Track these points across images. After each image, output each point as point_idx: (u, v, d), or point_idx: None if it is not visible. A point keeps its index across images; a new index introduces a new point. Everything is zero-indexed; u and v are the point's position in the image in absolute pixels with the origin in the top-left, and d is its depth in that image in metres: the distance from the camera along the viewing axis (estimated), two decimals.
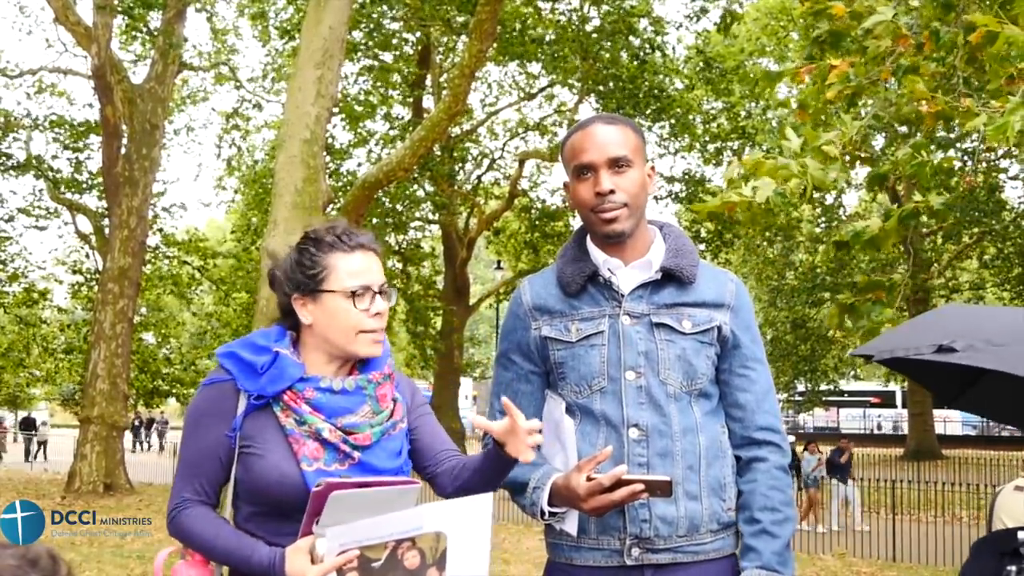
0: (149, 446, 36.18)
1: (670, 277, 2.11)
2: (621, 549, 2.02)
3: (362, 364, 2.00)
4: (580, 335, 2.09)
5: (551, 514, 2.05)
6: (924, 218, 5.05)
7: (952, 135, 18.91)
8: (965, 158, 20.34)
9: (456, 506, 1.76)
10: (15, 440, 34.26)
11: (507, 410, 1.83)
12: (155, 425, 36.92)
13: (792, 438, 17.16)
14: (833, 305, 5.49)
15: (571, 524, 2.06)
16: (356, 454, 1.87)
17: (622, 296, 2.10)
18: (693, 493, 2.03)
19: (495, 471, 1.94)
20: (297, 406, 1.87)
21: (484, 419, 1.93)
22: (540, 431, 1.87)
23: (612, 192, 2.04)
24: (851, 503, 14.70)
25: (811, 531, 13.54)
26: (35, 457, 28.54)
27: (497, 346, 2.28)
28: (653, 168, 2.16)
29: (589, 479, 1.92)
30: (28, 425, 31.67)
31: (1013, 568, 1.86)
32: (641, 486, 1.90)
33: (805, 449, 15.41)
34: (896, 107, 5.16)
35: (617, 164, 2.06)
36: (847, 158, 5.06)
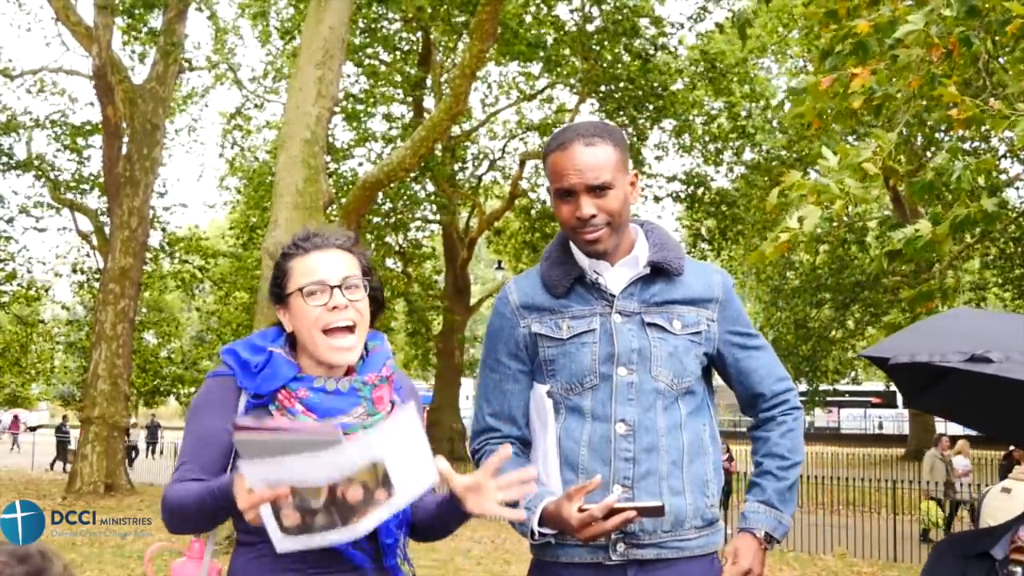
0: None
1: (658, 272, 2.13)
2: (606, 545, 2.04)
3: (360, 365, 2.00)
4: (572, 332, 2.11)
5: (541, 534, 2.06)
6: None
7: (974, 142, 18.80)
8: (1011, 160, 20.23)
9: (382, 432, 1.71)
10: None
11: (490, 464, 1.83)
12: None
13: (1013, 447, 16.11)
14: (878, 331, 5.33)
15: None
16: (333, 424, 1.87)
17: (612, 296, 2.11)
18: (677, 489, 2.06)
19: (452, 519, 1.93)
20: (291, 406, 1.90)
21: (448, 467, 1.86)
22: (526, 481, 1.85)
23: (594, 216, 2.05)
24: None
25: None
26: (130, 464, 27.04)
27: (483, 349, 2.29)
28: (637, 175, 2.16)
29: (581, 509, 1.93)
30: None
31: (1019, 569, 1.84)
32: (633, 513, 1.93)
33: None
34: (919, 114, 5.08)
35: (598, 188, 2.05)
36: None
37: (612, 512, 1.91)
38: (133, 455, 27.05)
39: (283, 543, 1.73)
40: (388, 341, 2.10)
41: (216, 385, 1.97)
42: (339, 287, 1.93)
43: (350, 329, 1.93)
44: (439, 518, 1.95)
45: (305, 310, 1.92)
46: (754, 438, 2.24)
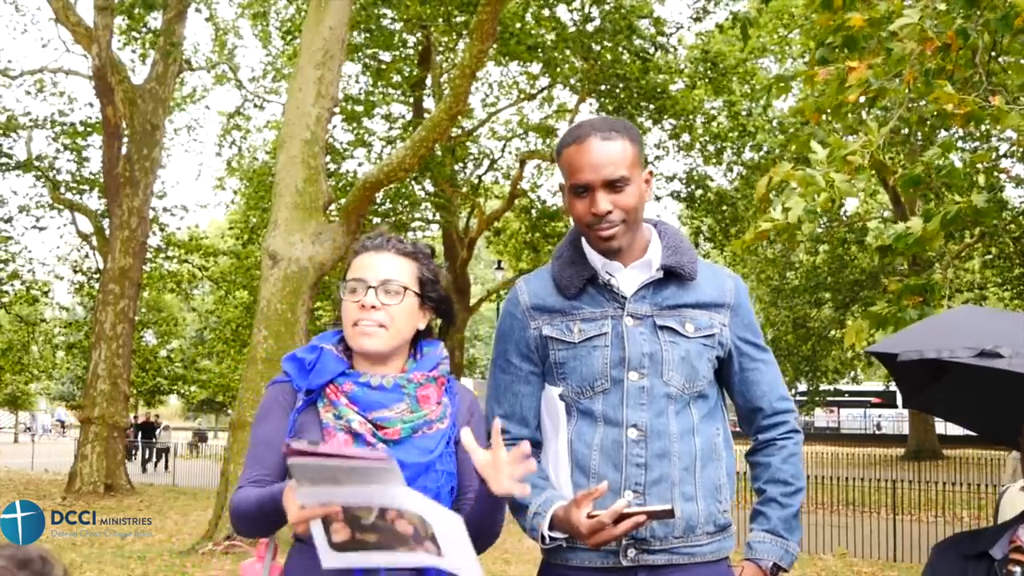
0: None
1: (671, 275, 2.10)
2: (617, 550, 2.02)
3: (411, 364, 2.05)
4: (583, 336, 2.08)
5: (551, 538, 2.05)
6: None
7: (975, 141, 18.76)
8: (1001, 154, 20.19)
9: (431, 506, 1.73)
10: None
11: (494, 437, 1.81)
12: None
13: None
14: (860, 319, 5.29)
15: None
16: (382, 447, 1.91)
17: (624, 298, 2.08)
18: (689, 494, 2.04)
19: (487, 510, 1.91)
20: (336, 399, 1.97)
21: (471, 439, 1.81)
22: (528, 456, 1.81)
23: (610, 212, 2.02)
24: None
25: None
26: (159, 466, 25.85)
27: (493, 349, 2.27)
28: (651, 173, 2.14)
29: (590, 516, 1.92)
30: (147, 431, 27.27)
31: (1018, 569, 1.83)
32: (643, 517, 1.90)
33: None
34: (915, 110, 5.05)
35: (614, 184, 2.02)
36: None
37: (622, 517, 1.89)
38: (164, 457, 26.23)
39: (329, 559, 1.75)
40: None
41: (275, 391, 2.06)
42: (375, 288, 1.99)
43: (380, 325, 1.99)
44: (477, 515, 1.92)
45: (344, 304, 2.02)
46: (754, 463, 2.19)
